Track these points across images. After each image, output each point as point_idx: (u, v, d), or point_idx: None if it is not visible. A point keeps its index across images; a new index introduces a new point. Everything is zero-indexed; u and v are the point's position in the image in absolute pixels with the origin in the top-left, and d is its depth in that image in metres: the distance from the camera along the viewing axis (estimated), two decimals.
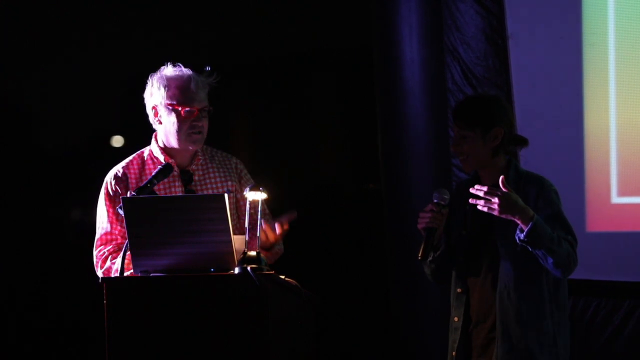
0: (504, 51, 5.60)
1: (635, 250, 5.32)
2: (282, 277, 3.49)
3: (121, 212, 3.50)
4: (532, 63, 5.55)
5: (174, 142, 3.93)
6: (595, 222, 5.37)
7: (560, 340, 3.83)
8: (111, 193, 3.91)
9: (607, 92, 5.37)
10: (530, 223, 3.66)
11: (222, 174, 4.02)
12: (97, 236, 3.92)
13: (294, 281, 3.54)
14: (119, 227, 3.87)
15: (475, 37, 5.68)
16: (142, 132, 4.09)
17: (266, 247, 3.81)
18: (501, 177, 3.72)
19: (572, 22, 5.42)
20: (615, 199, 5.37)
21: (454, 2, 5.69)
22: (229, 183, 4.01)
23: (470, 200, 3.73)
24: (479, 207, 3.71)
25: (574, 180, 5.35)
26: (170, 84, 3.89)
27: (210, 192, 3.96)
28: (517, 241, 3.69)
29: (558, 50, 5.47)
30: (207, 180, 3.99)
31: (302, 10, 6.59)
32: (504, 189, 3.69)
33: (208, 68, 3.96)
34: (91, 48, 6.58)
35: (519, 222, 3.68)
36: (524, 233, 3.67)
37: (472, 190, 3.73)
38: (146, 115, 4.00)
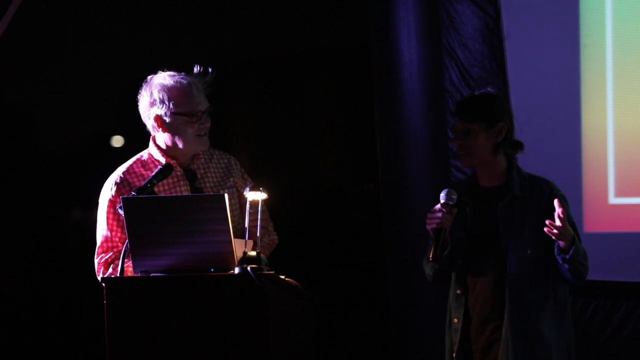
0: (500, 52, 5.61)
1: (633, 251, 5.32)
2: (282, 277, 3.50)
3: (121, 212, 3.50)
4: (529, 64, 5.55)
5: (181, 146, 3.94)
6: (593, 223, 5.38)
7: (570, 341, 3.85)
8: (112, 200, 3.91)
9: (605, 93, 5.38)
10: (573, 246, 3.73)
11: (222, 171, 4.05)
12: (98, 243, 3.91)
13: (294, 281, 3.55)
14: (119, 234, 3.87)
15: (473, 37, 5.68)
16: (142, 132, 4.10)
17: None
18: (558, 210, 3.70)
19: (569, 23, 5.42)
20: (613, 199, 5.37)
21: (450, 3, 5.70)
22: (231, 179, 4.03)
23: (546, 230, 3.73)
24: (553, 237, 3.74)
25: (571, 181, 5.35)
26: (172, 94, 3.90)
27: (213, 187, 3.97)
28: (560, 260, 3.74)
29: (555, 51, 5.47)
30: (210, 177, 4.01)
31: (301, 10, 6.59)
32: (560, 224, 3.71)
33: (199, 68, 3.98)
34: (91, 48, 6.58)
35: (561, 243, 3.74)
36: (569, 254, 3.72)
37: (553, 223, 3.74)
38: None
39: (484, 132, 3.86)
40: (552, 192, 3.85)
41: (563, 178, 5.14)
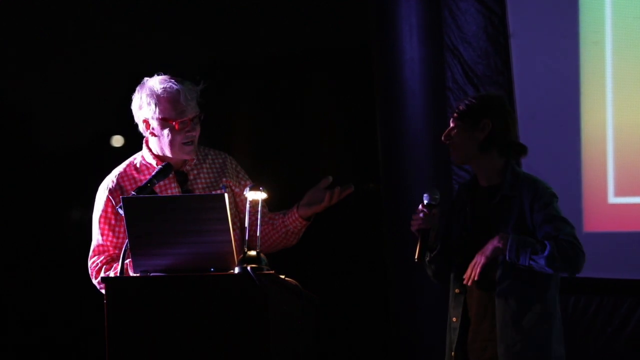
0: (505, 50, 5.60)
1: (633, 251, 5.32)
2: (282, 277, 3.50)
3: (121, 211, 3.51)
4: (531, 62, 5.55)
5: (168, 153, 3.95)
6: (593, 222, 5.38)
7: (560, 345, 3.84)
8: (103, 205, 3.92)
9: (605, 92, 5.38)
10: (509, 239, 3.70)
11: (215, 171, 4.04)
12: (92, 247, 3.94)
13: (294, 281, 3.55)
14: (110, 238, 3.89)
15: (476, 35, 5.67)
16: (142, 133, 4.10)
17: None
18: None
19: (570, 22, 5.42)
20: (613, 199, 5.37)
21: (454, 1, 5.69)
22: (224, 179, 4.03)
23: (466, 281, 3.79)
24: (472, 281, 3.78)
25: (571, 180, 5.36)
26: (160, 99, 3.89)
27: (205, 188, 3.97)
28: (507, 260, 3.72)
29: (557, 50, 5.47)
30: (202, 177, 4.00)
31: (301, 10, 6.59)
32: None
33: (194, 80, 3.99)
34: (91, 48, 6.59)
35: (503, 246, 3.72)
36: (507, 250, 3.70)
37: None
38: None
39: (468, 130, 3.87)
40: (537, 190, 3.83)
41: (563, 177, 5.15)
